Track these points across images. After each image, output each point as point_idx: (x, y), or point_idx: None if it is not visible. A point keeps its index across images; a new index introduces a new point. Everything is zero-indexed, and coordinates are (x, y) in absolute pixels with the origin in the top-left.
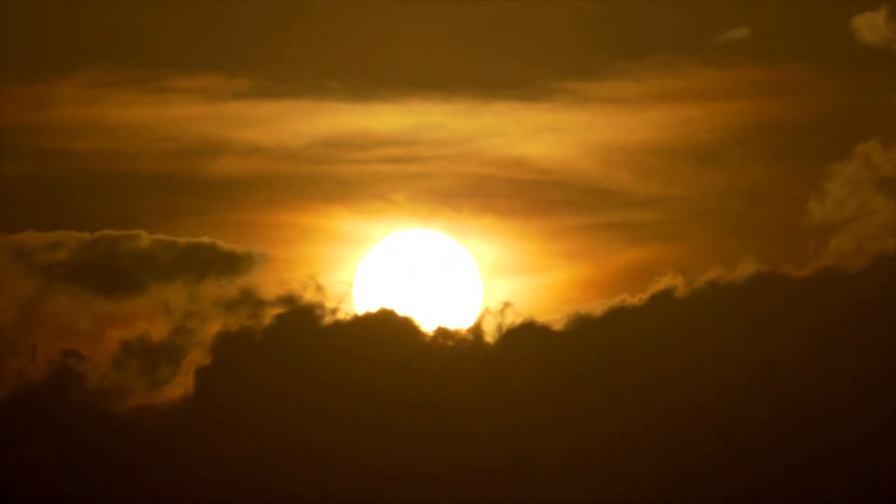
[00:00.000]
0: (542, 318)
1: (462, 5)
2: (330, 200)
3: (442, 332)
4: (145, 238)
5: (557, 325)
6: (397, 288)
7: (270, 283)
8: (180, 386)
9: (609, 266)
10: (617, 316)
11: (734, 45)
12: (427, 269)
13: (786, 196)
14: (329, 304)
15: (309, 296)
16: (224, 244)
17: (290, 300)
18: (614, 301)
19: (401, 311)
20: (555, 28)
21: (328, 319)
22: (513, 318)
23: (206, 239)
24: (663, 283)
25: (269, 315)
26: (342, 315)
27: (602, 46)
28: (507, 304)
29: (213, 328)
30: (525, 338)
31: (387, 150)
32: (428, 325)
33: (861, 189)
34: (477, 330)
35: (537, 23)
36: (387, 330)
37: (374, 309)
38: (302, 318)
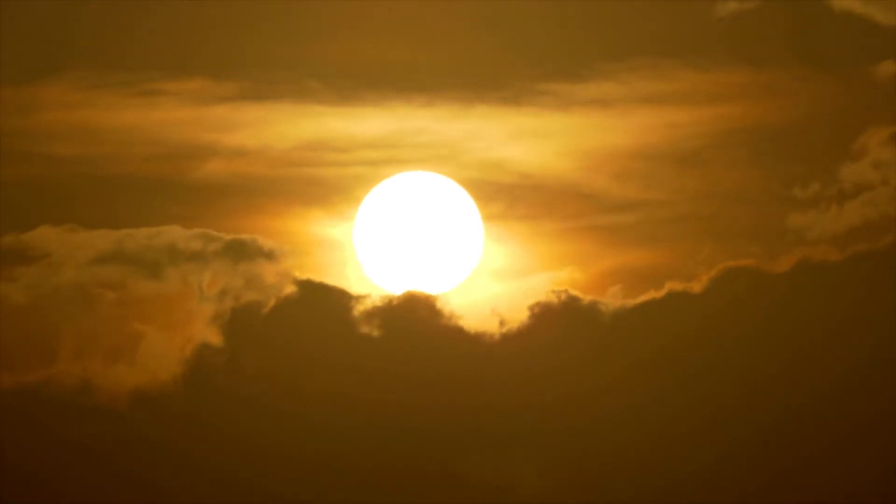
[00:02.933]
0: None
1: (445, 7)
2: (309, 204)
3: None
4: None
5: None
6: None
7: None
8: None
9: (591, 270)
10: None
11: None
12: (426, 229)
13: (770, 198)
14: (353, 292)
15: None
16: (264, 240)
17: (318, 286)
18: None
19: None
20: (538, 29)
21: (358, 307)
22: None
23: (246, 236)
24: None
25: (303, 302)
26: (373, 300)
27: (585, 47)
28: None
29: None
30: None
31: (370, 154)
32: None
33: (846, 191)
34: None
35: (521, 23)
36: (417, 312)
37: (399, 292)
38: (332, 305)
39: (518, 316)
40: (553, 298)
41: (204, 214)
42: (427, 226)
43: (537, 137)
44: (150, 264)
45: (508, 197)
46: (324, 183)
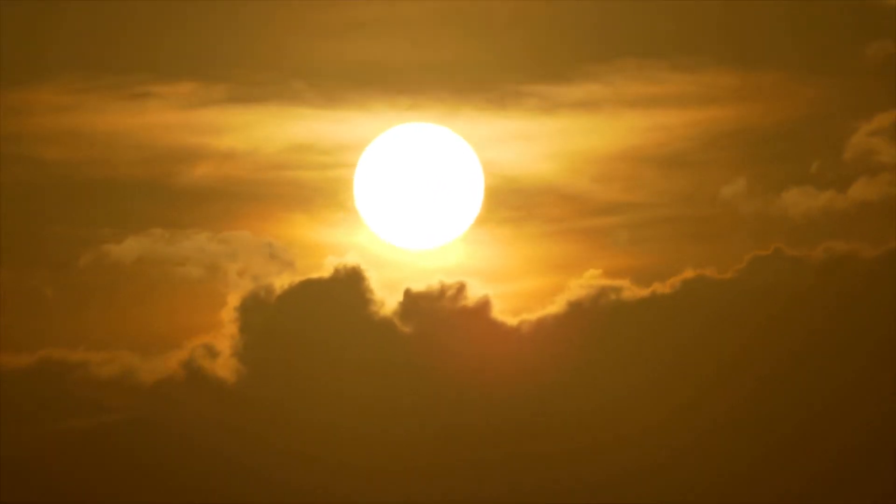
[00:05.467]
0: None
1: (431, 9)
2: (292, 208)
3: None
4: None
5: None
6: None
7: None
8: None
9: (578, 272)
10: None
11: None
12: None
13: (757, 200)
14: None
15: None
16: (254, 239)
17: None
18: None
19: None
20: (524, 30)
21: (387, 303)
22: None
23: (266, 238)
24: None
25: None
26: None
27: (571, 49)
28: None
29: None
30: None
31: (356, 156)
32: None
33: (837, 189)
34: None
35: (506, 25)
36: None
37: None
38: (362, 303)
39: (518, 315)
40: (592, 292)
41: (199, 217)
42: (429, 179)
43: (522, 140)
44: (148, 265)
45: (492, 200)
46: (314, 186)
